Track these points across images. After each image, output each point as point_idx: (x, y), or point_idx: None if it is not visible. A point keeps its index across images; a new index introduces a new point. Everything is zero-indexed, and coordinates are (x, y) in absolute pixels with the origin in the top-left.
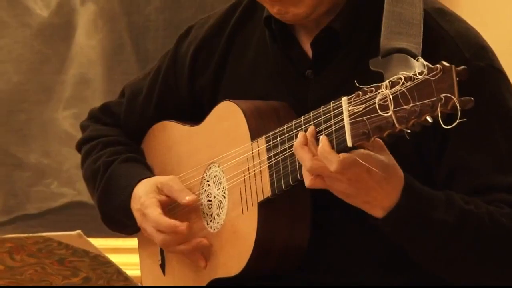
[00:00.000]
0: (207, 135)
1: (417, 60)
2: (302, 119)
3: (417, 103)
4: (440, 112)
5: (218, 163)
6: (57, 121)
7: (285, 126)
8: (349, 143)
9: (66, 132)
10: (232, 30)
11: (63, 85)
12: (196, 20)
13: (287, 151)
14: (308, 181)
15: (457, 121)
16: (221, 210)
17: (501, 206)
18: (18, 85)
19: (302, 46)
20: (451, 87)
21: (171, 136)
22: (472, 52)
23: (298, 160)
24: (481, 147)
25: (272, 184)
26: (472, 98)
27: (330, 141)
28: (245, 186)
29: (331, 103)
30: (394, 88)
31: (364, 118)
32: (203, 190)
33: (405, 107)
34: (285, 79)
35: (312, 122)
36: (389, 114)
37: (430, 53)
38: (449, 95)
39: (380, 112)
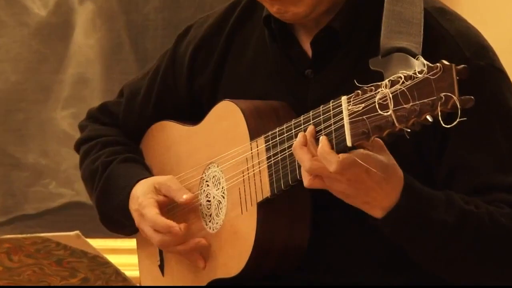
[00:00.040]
0: (206, 135)
1: (417, 59)
2: (302, 118)
3: (417, 102)
4: (440, 111)
5: (217, 163)
6: (56, 121)
7: (284, 126)
8: (349, 143)
9: (65, 132)
10: (232, 29)
11: (61, 84)
12: (195, 20)
13: (287, 151)
14: (306, 181)
15: (457, 120)
16: (220, 211)
17: (501, 206)
18: (16, 85)
19: (301, 46)
20: (451, 85)
21: (170, 136)
22: (472, 51)
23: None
24: (481, 146)
25: (271, 184)
26: (472, 97)
27: (330, 141)
28: (244, 186)
29: (331, 102)
30: (394, 87)
31: (363, 117)
32: (202, 190)
33: (405, 106)
34: (284, 79)
35: (312, 121)
36: (389, 113)
37: (430, 52)
38: (449, 94)
39: (380, 111)
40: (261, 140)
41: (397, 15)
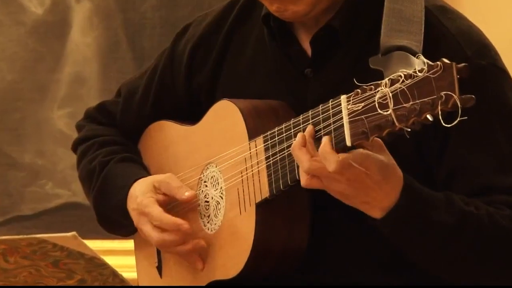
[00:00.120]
0: (204, 135)
1: (417, 58)
2: (301, 118)
3: (417, 101)
4: (441, 110)
5: (216, 163)
6: (52, 121)
7: (283, 125)
8: (348, 143)
9: (61, 132)
10: (230, 27)
11: (58, 83)
12: (193, 18)
13: (285, 151)
14: (303, 180)
15: (458, 119)
16: (218, 211)
17: (501, 207)
18: (12, 84)
19: (301, 44)
20: (451, 84)
21: (167, 136)
22: (474, 50)
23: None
24: (482, 146)
25: (270, 184)
26: (473, 96)
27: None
28: (242, 186)
29: (330, 101)
30: (394, 86)
31: (363, 116)
32: (201, 191)
33: (405, 105)
34: (284, 78)
35: (311, 121)
36: (388, 112)
37: (431, 51)
38: (449, 92)
39: (379, 111)
40: (259, 140)
41: (397, 13)
